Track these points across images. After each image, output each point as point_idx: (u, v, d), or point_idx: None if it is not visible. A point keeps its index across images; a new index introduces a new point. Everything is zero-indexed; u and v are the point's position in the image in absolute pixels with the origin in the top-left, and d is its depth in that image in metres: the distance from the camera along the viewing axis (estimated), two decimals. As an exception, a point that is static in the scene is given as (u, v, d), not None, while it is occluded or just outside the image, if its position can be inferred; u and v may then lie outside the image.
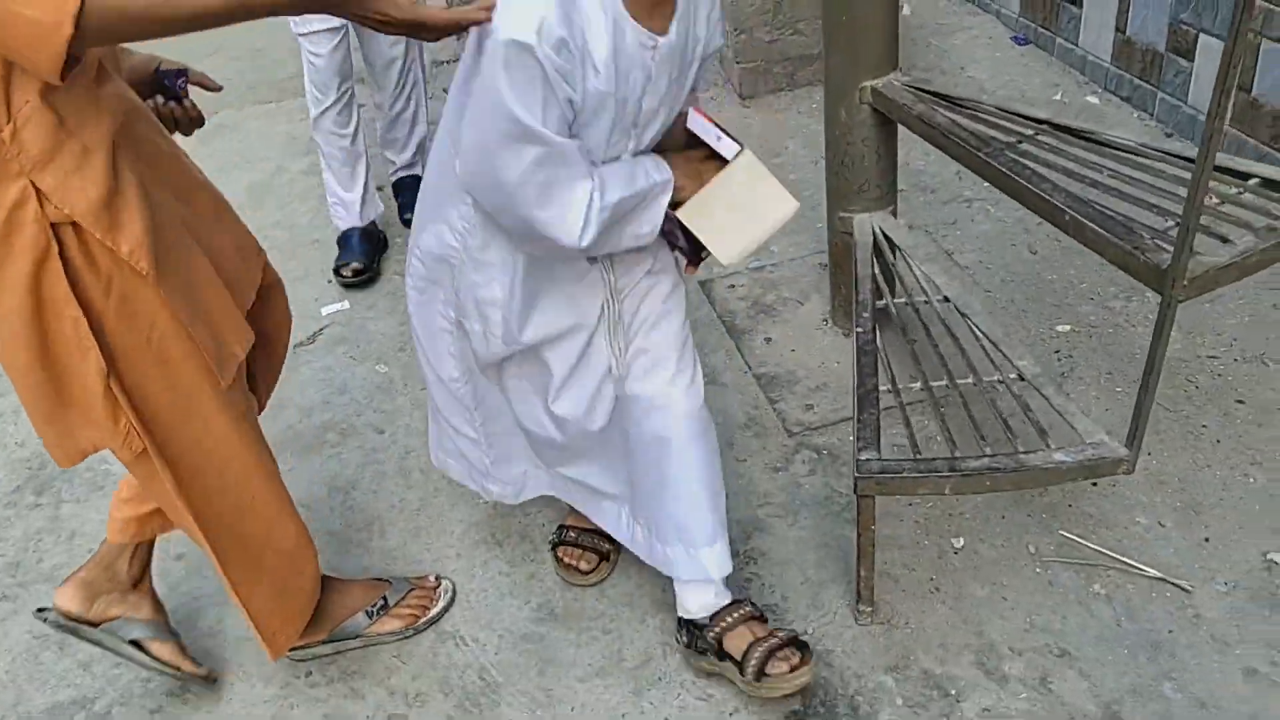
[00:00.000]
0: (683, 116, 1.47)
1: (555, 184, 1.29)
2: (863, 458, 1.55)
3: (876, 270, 1.97)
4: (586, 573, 1.83)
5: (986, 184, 2.12)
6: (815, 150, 3.05)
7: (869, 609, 1.68)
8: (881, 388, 1.69)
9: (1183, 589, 1.67)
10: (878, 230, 2.07)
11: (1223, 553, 1.73)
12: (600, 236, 1.35)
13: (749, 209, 1.40)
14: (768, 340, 2.36)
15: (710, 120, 1.43)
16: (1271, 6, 2.40)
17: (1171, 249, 1.41)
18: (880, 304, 1.88)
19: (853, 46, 1.96)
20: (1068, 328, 2.24)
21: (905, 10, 3.63)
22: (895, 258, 2.03)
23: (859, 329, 1.80)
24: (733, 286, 2.55)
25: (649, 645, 1.72)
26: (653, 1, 1.28)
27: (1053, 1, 3.26)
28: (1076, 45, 3.18)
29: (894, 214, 2.16)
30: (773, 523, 1.91)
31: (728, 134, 1.42)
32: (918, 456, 1.56)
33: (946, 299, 1.88)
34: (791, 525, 1.90)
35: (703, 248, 1.45)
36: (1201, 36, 2.66)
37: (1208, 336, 2.16)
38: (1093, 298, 2.31)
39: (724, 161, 1.41)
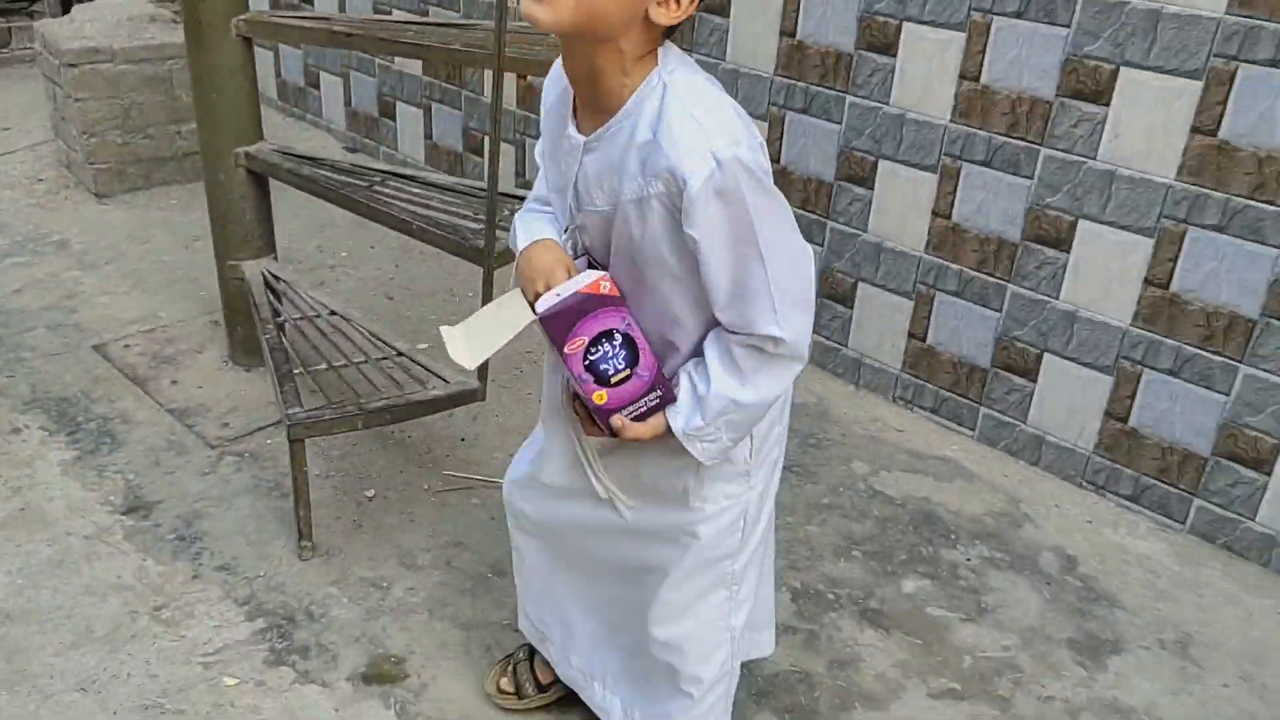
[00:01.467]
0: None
1: None
2: (290, 412, 1.98)
3: (270, 298, 2.42)
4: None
5: (344, 253, 2.70)
6: (180, 236, 3.39)
7: (309, 544, 2.08)
8: (296, 370, 2.14)
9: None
10: (266, 272, 2.52)
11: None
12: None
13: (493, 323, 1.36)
14: (174, 383, 2.63)
15: (597, 293, 1.27)
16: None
17: (484, 239, 2.11)
18: (279, 319, 2.33)
19: (223, 121, 2.41)
20: (425, 345, 2.89)
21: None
22: (283, 289, 2.49)
23: (266, 336, 2.24)
24: (128, 345, 2.77)
25: None
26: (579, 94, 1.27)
27: (372, 118, 4.04)
28: (396, 150, 3.99)
29: (275, 259, 2.62)
30: (210, 510, 2.21)
31: (574, 304, 1.27)
32: (332, 404, 2.03)
33: (334, 312, 2.40)
34: (228, 510, 2.21)
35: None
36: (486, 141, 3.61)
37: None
38: (433, 321, 3.01)
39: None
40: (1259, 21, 2.00)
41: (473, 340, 1.34)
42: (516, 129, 3.53)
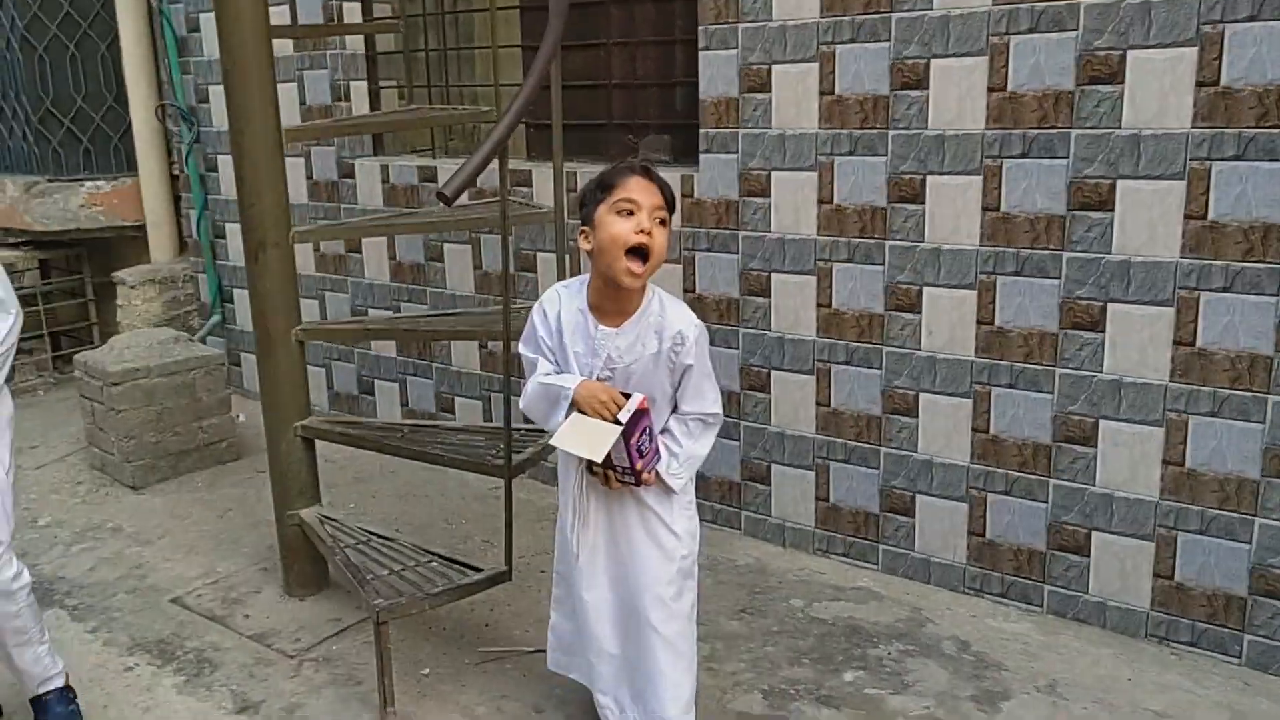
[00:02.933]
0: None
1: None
2: (375, 602, 2.65)
3: (329, 531, 3.11)
4: None
5: (352, 504, 3.42)
6: (214, 510, 4.06)
7: (393, 710, 2.68)
8: (369, 577, 2.82)
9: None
10: (320, 514, 3.23)
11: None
12: (530, 403, 2.33)
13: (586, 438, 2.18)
14: (246, 616, 3.25)
15: (643, 407, 2.17)
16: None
17: (502, 459, 2.89)
18: (342, 545, 3.02)
19: (285, 402, 3.19)
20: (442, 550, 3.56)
21: (241, 418, 4.88)
22: (335, 526, 3.19)
23: (336, 557, 2.92)
24: (199, 595, 3.39)
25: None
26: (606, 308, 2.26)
27: (429, 413, 4.85)
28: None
29: (322, 505, 3.33)
30: (304, 701, 2.80)
31: (633, 416, 2.15)
32: (402, 594, 2.70)
33: (380, 535, 3.10)
34: (318, 699, 2.81)
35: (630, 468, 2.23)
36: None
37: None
38: (439, 544, 3.69)
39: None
40: None
41: (579, 443, 2.17)
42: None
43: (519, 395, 2.45)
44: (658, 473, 2.29)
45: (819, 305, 3.41)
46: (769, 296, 3.52)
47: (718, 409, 2.37)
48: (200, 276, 5.54)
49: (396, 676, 2.84)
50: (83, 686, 2.77)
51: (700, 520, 3.78)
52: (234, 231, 5.29)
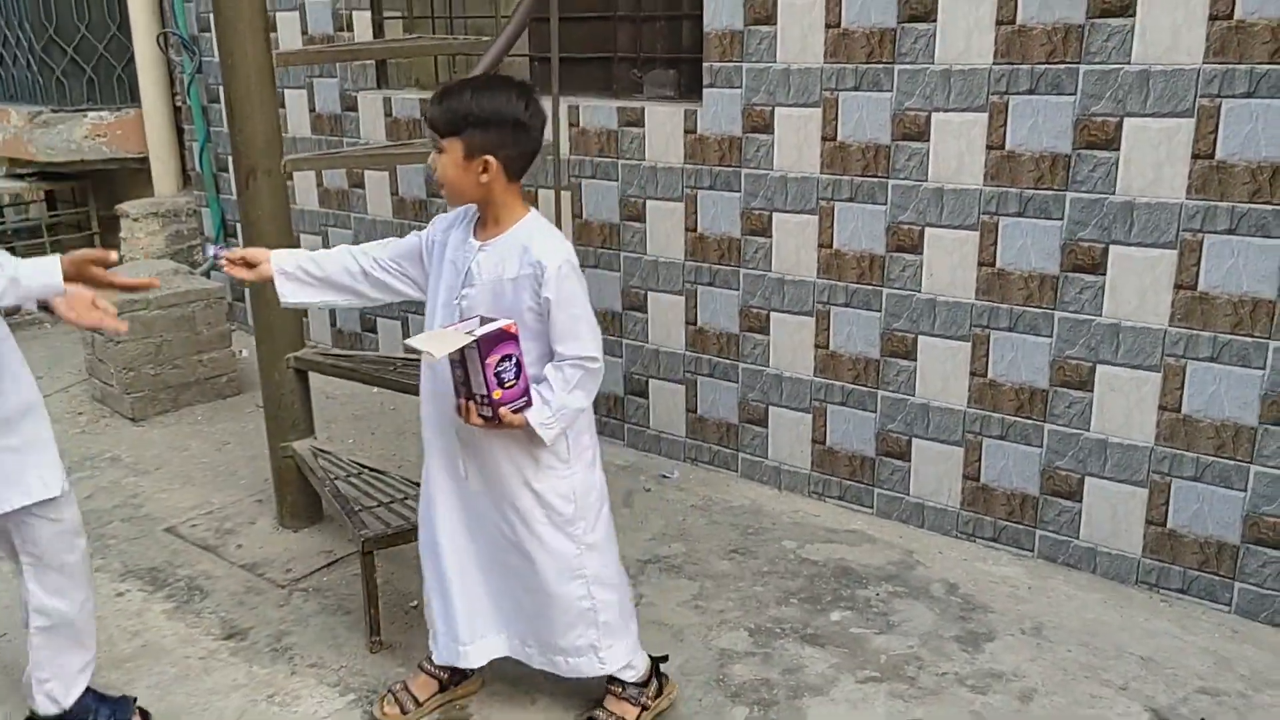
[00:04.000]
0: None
1: None
2: (363, 532, 2.65)
3: (321, 463, 3.12)
4: None
5: (350, 440, 3.41)
6: (211, 442, 4.08)
7: (379, 639, 2.70)
8: (357, 509, 2.82)
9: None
10: (313, 447, 3.23)
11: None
12: None
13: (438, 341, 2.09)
14: (239, 546, 3.27)
15: (509, 330, 2.08)
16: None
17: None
18: (333, 478, 3.03)
19: (278, 334, 3.18)
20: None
21: (244, 354, 4.89)
22: (327, 458, 3.19)
23: (326, 488, 2.93)
24: (193, 525, 3.41)
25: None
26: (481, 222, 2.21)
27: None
28: (378, 357, 4.76)
29: (315, 438, 3.33)
30: (293, 629, 2.82)
31: (494, 335, 2.06)
32: (390, 526, 2.71)
33: (370, 469, 3.10)
34: (306, 628, 2.83)
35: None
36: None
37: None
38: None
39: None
40: None
41: (429, 343, 2.08)
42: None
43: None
44: (526, 419, 2.14)
45: (820, 246, 3.36)
46: (770, 236, 3.46)
47: (594, 352, 2.19)
48: (204, 210, 5.52)
49: (384, 608, 2.85)
50: None
51: (698, 463, 3.82)
52: (237, 165, 5.25)
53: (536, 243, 2.18)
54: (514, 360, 2.10)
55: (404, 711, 2.43)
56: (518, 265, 2.17)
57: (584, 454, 2.33)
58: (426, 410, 2.35)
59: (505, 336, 2.09)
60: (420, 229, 2.40)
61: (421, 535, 2.42)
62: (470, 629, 2.38)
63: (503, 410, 2.11)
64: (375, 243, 2.42)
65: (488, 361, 2.08)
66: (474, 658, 2.40)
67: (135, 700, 2.44)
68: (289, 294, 2.36)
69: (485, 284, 2.19)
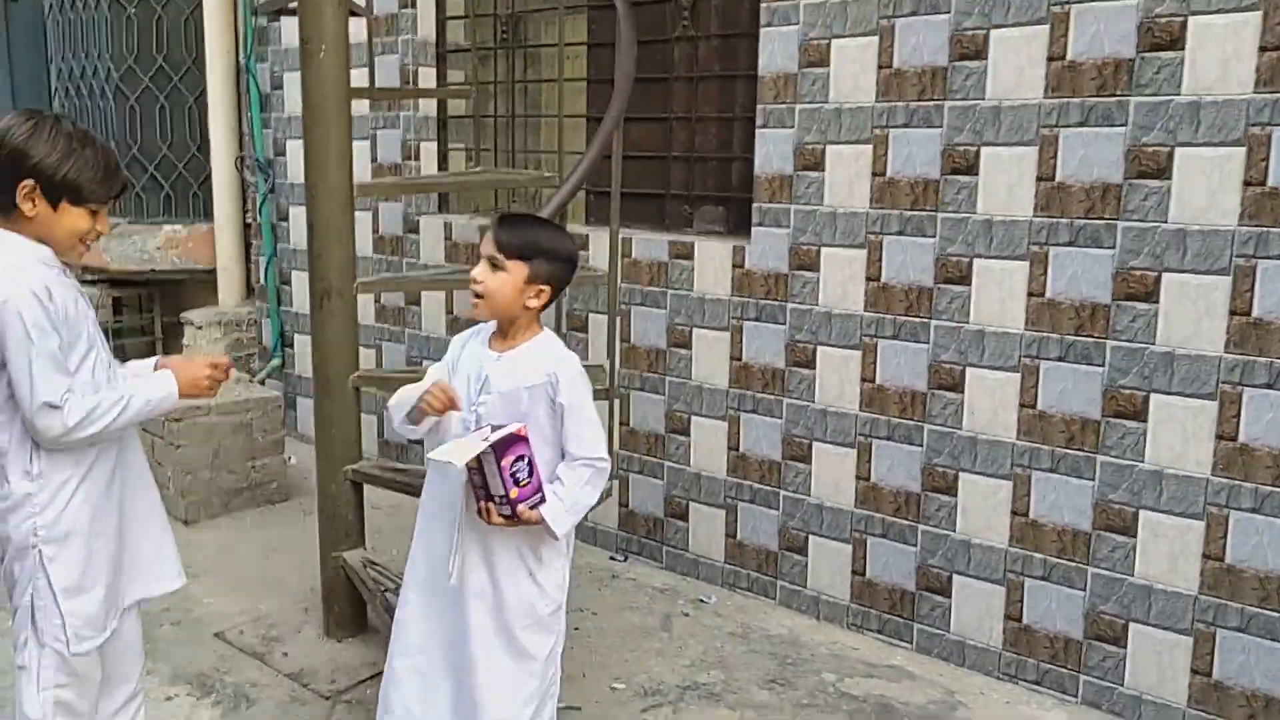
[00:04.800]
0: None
1: None
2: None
3: (372, 575, 3.19)
4: None
5: (395, 551, 3.51)
6: (260, 548, 4.18)
7: None
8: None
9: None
10: (364, 558, 3.31)
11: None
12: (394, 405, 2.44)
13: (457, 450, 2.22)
14: (285, 655, 3.32)
15: (520, 434, 2.22)
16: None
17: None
18: (384, 590, 3.10)
19: (337, 446, 3.30)
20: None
21: (293, 460, 5.01)
22: (378, 570, 3.27)
23: (377, 600, 2.99)
24: (241, 632, 3.47)
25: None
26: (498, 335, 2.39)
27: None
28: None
29: (365, 549, 3.41)
30: (336, 743, 2.85)
31: (508, 439, 2.21)
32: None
33: (418, 583, 3.17)
34: (349, 741, 2.86)
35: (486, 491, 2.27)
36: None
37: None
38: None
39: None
40: None
41: (449, 453, 2.23)
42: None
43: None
44: (541, 514, 2.30)
45: (863, 380, 3.46)
46: (814, 369, 3.57)
47: (601, 453, 2.40)
48: (264, 321, 5.74)
49: (427, 723, 2.88)
50: None
51: (736, 588, 3.85)
52: (299, 279, 5.48)
53: (551, 354, 2.41)
54: (526, 460, 2.25)
55: None
56: (533, 374, 2.37)
57: (569, 551, 2.52)
58: (429, 510, 2.49)
59: (516, 439, 2.24)
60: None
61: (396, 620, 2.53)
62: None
63: (520, 507, 2.26)
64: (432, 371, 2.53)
65: (503, 463, 2.22)
66: None
67: None
68: (409, 433, 2.51)
69: (501, 392, 2.37)
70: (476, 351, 2.43)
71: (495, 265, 2.34)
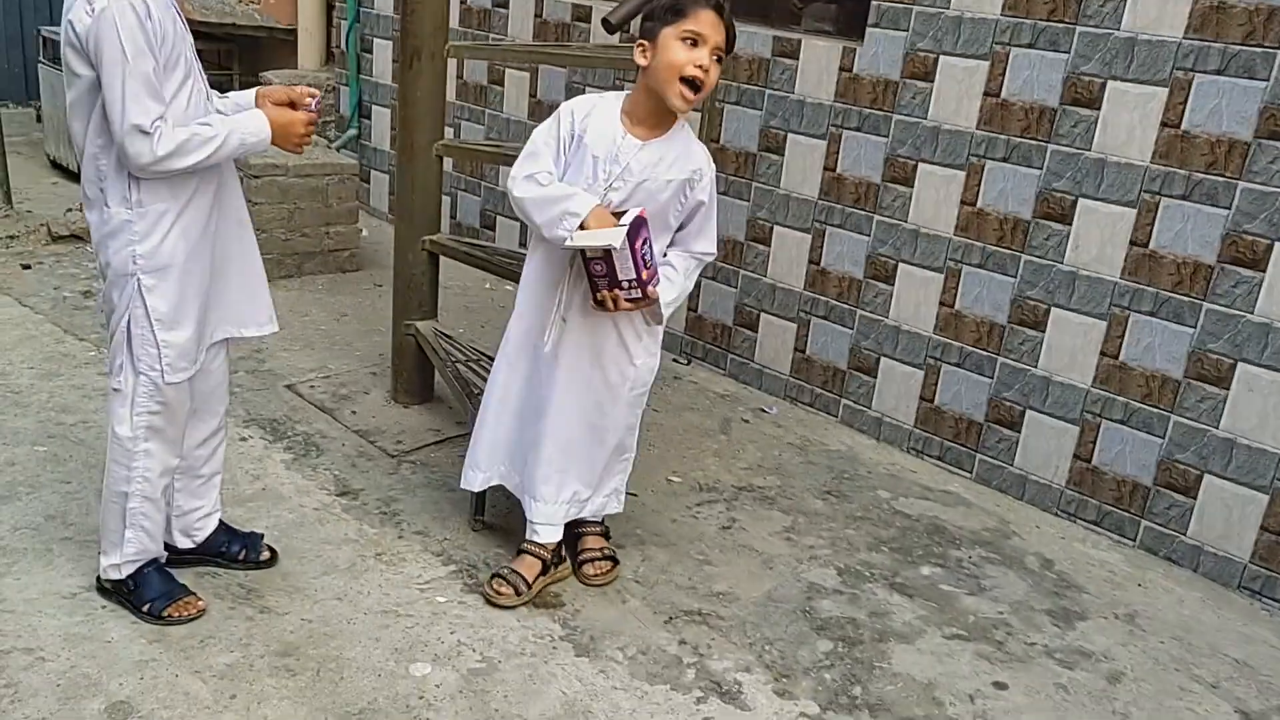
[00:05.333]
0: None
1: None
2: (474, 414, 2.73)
3: (443, 346, 3.20)
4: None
5: (483, 325, 3.49)
6: (331, 312, 4.22)
7: (481, 518, 2.80)
8: (474, 392, 2.90)
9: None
10: (436, 329, 3.31)
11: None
12: (529, 203, 2.29)
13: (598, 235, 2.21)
14: (353, 412, 3.39)
15: (641, 217, 2.21)
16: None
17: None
18: (454, 360, 3.11)
19: (417, 215, 3.25)
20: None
21: (365, 233, 5.00)
22: (449, 342, 3.28)
23: (449, 369, 3.01)
24: (312, 386, 3.54)
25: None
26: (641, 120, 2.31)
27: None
28: (495, 255, 4.83)
29: (438, 320, 3.42)
30: (401, 497, 2.93)
31: (635, 222, 2.19)
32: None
33: (487, 355, 3.18)
34: (414, 497, 2.94)
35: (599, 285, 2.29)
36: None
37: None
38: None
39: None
40: None
41: (593, 238, 2.21)
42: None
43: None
44: (657, 294, 2.33)
45: (962, 203, 3.29)
46: (911, 187, 3.41)
47: (715, 250, 2.51)
48: (343, 88, 5.61)
49: (489, 492, 2.94)
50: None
51: (798, 402, 3.83)
52: (381, 47, 5.31)
53: (697, 149, 2.40)
54: (649, 242, 2.26)
55: (518, 593, 2.51)
56: (680, 168, 2.34)
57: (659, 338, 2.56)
58: (532, 291, 2.49)
59: (643, 222, 2.24)
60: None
61: (499, 392, 2.58)
62: (489, 459, 2.60)
63: (649, 287, 2.27)
64: (534, 165, 2.35)
65: (636, 246, 2.20)
66: (478, 483, 2.63)
67: (263, 537, 2.58)
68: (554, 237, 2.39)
69: (643, 181, 2.32)
70: (608, 132, 2.32)
71: (719, 58, 2.27)
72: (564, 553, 2.65)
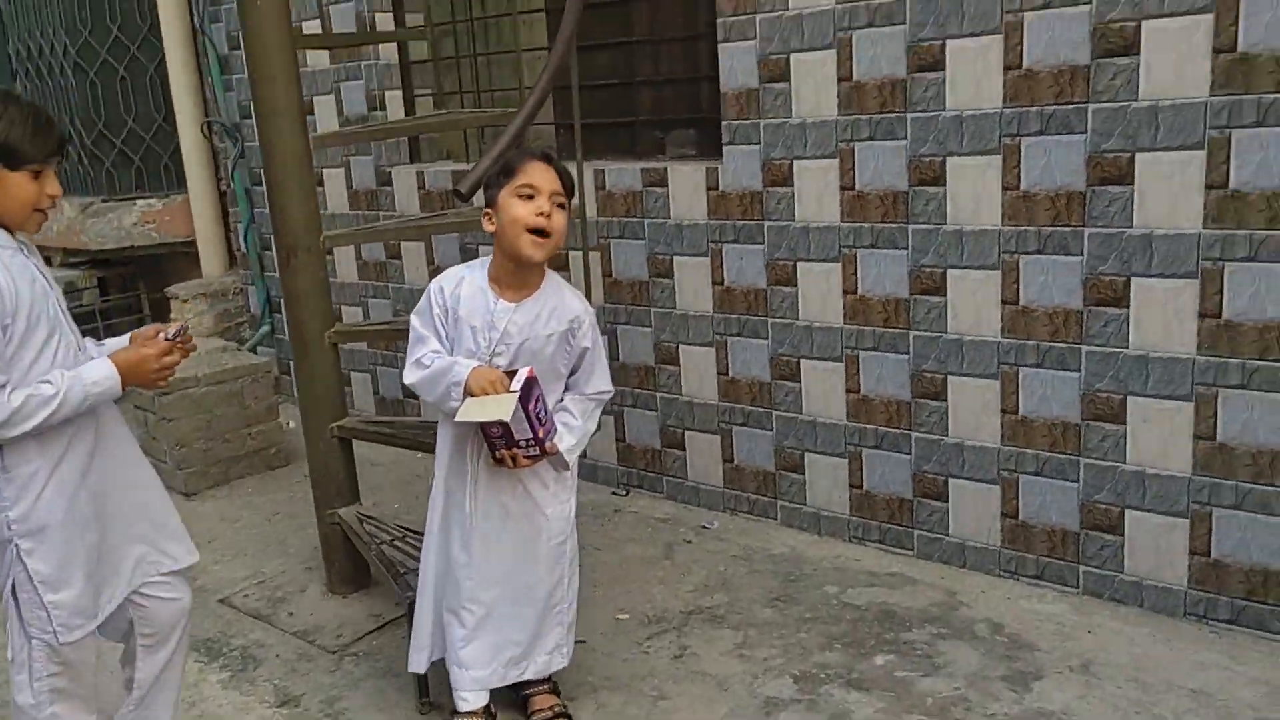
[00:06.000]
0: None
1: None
2: (407, 594, 2.71)
3: (368, 529, 3.20)
4: None
5: (397, 504, 3.51)
6: (261, 514, 4.21)
7: (428, 699, 2.75)
8: (403, 571, 2.89)
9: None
10: (358, 513, 3.31)
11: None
12: (419, 386, 2.40)
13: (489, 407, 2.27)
14: (290, 614, 3.35)
15: (531, 376, 2.29)
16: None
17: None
18: (379, 542, 3.10)
19: (321, 404, 3.28)
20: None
21: (291, 425, 5.01)
22: (373, 524, 3.27)
23: (373, 553, 3.00)
24: (246, 595, 3.50)
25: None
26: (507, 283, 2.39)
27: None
28: (420, 423, 4.85)
29: (360, 505, 3.42)
30: (345, 694, 2.88)
31: (523, 379, 2.27)
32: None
33: (412, 530, 3.17)
34: (358, 691, 2.89)
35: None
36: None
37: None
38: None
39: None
40: None
41: (483, 412, 2.26)
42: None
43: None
44: (557, 446, 2.41)
45: (845, 292, 3.41)
46: (795, 285, 3.52)
47: (610, 386, 2.57)
48: (249, 288, 5.70)
49: (431, 667, 2.90)
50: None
51: (737, 512, 3.85)
52: (279, 243, 5.43)
53: (569, 298, 2.49)
54: (541, 400, 2.34)
55: None
56: (556, 320, 2.44)
57: (572, 483, 2.60)
58: (449, 461, 2.52)
59: (533, 381, 2.31)
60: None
61: (434, 565, 2.58)
62: (434, 634, 2.61)
63: (547, 443, 2.34)
64: (420, 349, 2.47)
65: (530, 409, 2.27)
66: (424, 664, 2.64)
67: None
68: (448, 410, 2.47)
69: (519, 340, 2.40)
70: (479, 300, 2.41)
71: (562, 205, 2.35)
72: (493, 709, 2.63)
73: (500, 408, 2.24)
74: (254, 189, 5.48)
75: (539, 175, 2.33)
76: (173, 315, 5.69)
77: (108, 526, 2.21)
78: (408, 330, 2.48)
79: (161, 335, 2.20)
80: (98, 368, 2.12)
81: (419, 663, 2.62)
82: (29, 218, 2.07)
